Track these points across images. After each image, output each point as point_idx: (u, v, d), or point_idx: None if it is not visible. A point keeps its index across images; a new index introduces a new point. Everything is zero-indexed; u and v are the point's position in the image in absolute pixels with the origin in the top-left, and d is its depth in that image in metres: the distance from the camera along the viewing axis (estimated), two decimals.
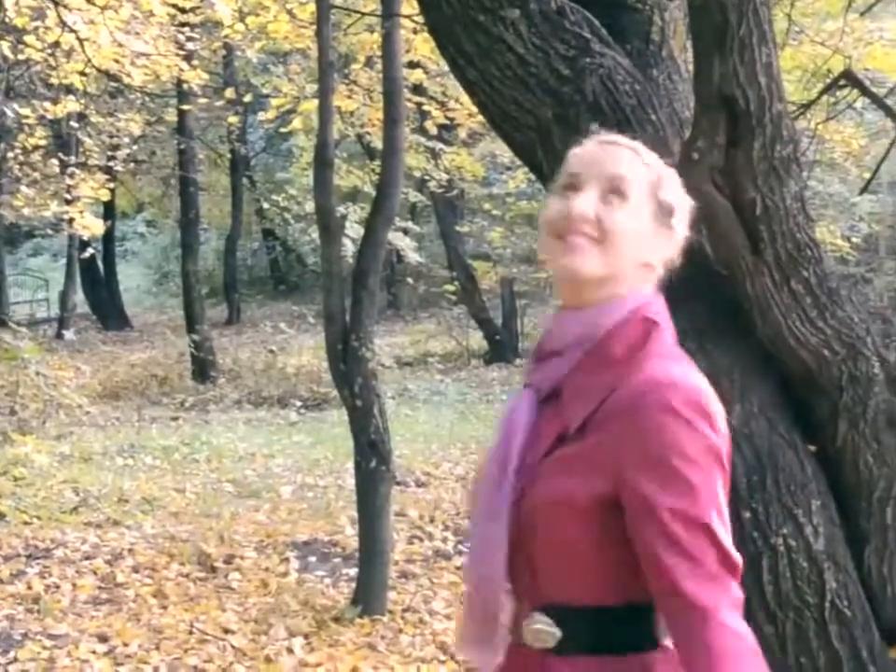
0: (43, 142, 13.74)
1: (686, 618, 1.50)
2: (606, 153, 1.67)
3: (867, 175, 8.70)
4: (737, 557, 1.54)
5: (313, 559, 6.48)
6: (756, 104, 2.46)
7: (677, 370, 1.58)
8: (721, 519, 1.53)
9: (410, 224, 14.12)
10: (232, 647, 4.97)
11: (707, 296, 2.67)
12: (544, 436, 1.62)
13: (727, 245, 2.58)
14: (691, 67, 2.66)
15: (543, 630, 1.60)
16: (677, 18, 2.94)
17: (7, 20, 9.27)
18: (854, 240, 12.99)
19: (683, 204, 1.70)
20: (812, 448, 2.72)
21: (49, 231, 20.72)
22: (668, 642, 1.58)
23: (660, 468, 1.51)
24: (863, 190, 8.56)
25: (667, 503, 1.50)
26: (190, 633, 5.17)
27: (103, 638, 5.13)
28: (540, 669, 1.61)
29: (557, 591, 1.59)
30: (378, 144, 9.06)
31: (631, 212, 1.62)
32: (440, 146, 12.47)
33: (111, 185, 14.33)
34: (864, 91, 5.57)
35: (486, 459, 1.68)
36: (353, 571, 5.82)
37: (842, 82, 5.56)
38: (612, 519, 1.55)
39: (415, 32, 8.54)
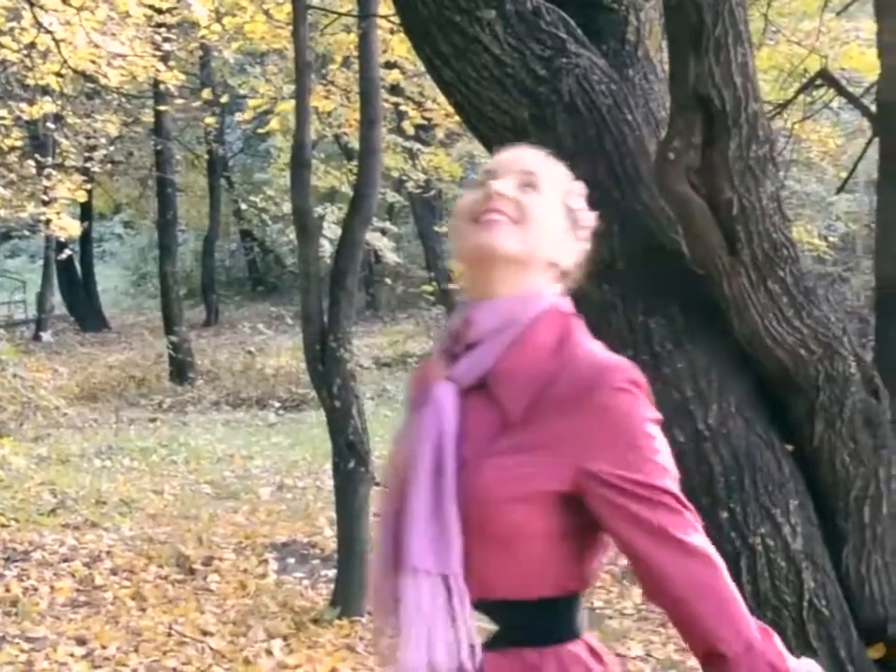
0: (19, 143, 13.63)
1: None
2: (521, 154, 1.74)
3: (844, 175, 8.74)
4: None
5: (291, 560, 6.47)
6: (732, 104, 2.46)
7: (611, 354, 1.63)
8: (676, 483, 1.60)
9: (388, 224, 14.12)
10: (211, 649, 4.96)
11: (683, 296, 2.68)
12: (479, 428, 1.60)
13: (703, 246, 2.58)
14: (667, 67, 2.66)
15: (480, 626, 1.58)
16: (652, 18, 2.94)
17: None
18: (831, 239, 13.05)
19: (588, 220, 1.75)
20: (789, 448, 2.72)
21: (26, 233, 20.60)
22: (586, 634, 1.63)
23: (626, 446, 1.55)
24: (840, 190, 8.59)
25: (639, 479, 1.54)
26: (169, 635, 5.16)
27: (81, 641, 5.11)
28: (478, 664, 1.58)
29: (494, 586, 1.58)
30: (355, 144, 9.04)
31: (545, 203, 1.67)
32: (417, 146, 12.45)
33: (88, 186, 14.25)
34: (840, 91, 5.60)
35: (408, 456, 1.63)
36: (332, 572, 5.82)
37: (818, 82, 5.59)
38: (565, 507, 1.57)
39: (392, 32, 8.53)
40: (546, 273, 1.67)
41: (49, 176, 12.16)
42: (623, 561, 6.13)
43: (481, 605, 1.58)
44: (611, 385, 1.56)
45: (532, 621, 1.59)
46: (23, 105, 11.60)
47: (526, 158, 1.72)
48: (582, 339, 1.64)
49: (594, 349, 1.63)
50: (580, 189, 1.75)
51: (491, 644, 1.58)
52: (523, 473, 1.55)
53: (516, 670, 1.58)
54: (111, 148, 16.82)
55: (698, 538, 1.57)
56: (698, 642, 1.58)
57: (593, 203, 2.67)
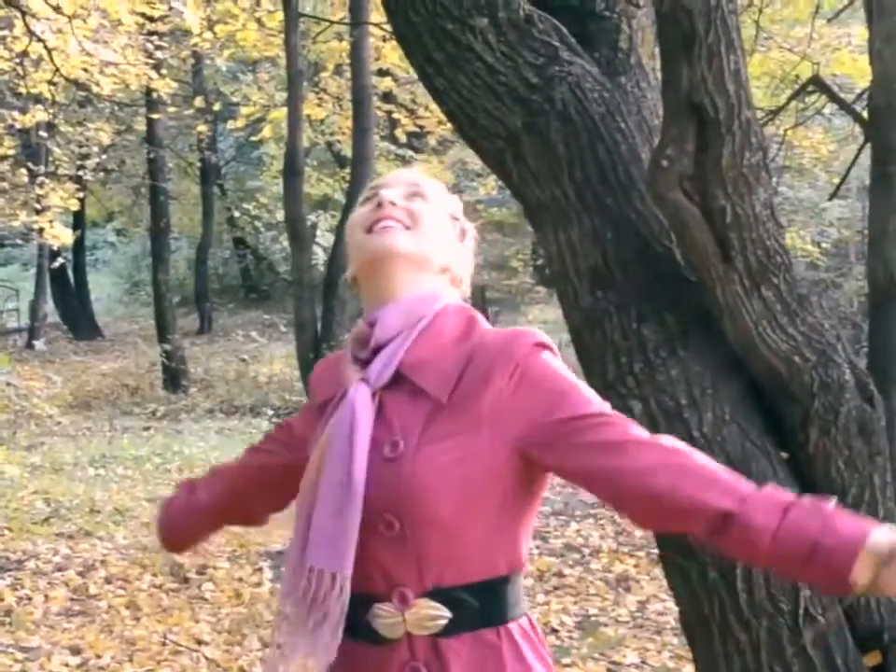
0: (12, 151, 13.63)
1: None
2: (405, 172, 1.84)
3: (836, 181, 8.75)
4: None
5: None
6: (725, 111, 2.46)
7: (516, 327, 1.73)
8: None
9: None
10: (206, 658, 4.94)
11: (677, 304, 2.67)
12: (407, 422, 1.62)
13: (697, 253, 2.58)
14: (659, 75, 2.66)
15: (433, 615, 1.60)
16: (645, 25, 2.94)
17: None
18: (824, 245, 13.07)
19: (472, 233, 1.84)
20: (784, 455, 2.72)
21: (19, 241, 20.55)
22: (528, 611, 1.68)
23: (555, 393, 1.61)
24: (833, 196, 8.60)
25: (579, 413, 1.60)
26: (163, 644, 5.14)
27: (75, 651, 5.09)
28: (434, 654, 1.61)
29: (446, 573, 1.60)
30: (348, 152, 9.05)
31: (433, 211, 1.75)
32: (410, 153, 12.48)
33: (81, 194, 14.26)
34: (832, 97, 5.61)
35: (322, 458, 1.65)
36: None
37: (810, 88, 5.60)
38: (504, 484, 1.61)
39: (384, 40, 8.55)
40: (441, 277, 1.75)
41: (41, 185, 12.16)
42: (618, 568, 6.15)
43: (434, 594, 1.60)
44: (524, 347, 1.63)
45: (485, 602, 1.62)
46: (16, 114, 11.59)
47: (411, 173, 1.83)
48: (486, 326, 1.71)
49: (498, 329, 1.71)
50: (459, 203, 1.84)
51: (447, 632, 1.61)
52: (462, 455, 1.59)
53: (476, 652, 1.61)
54: (104, 157, 16.82)
55: (647, 432, 1.63)
56: (699, 519, 1.55)
57: (586, 210, 2.69)
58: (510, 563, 1.65)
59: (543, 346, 1.66)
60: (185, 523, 2.04)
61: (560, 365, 1.66)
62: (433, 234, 1.73)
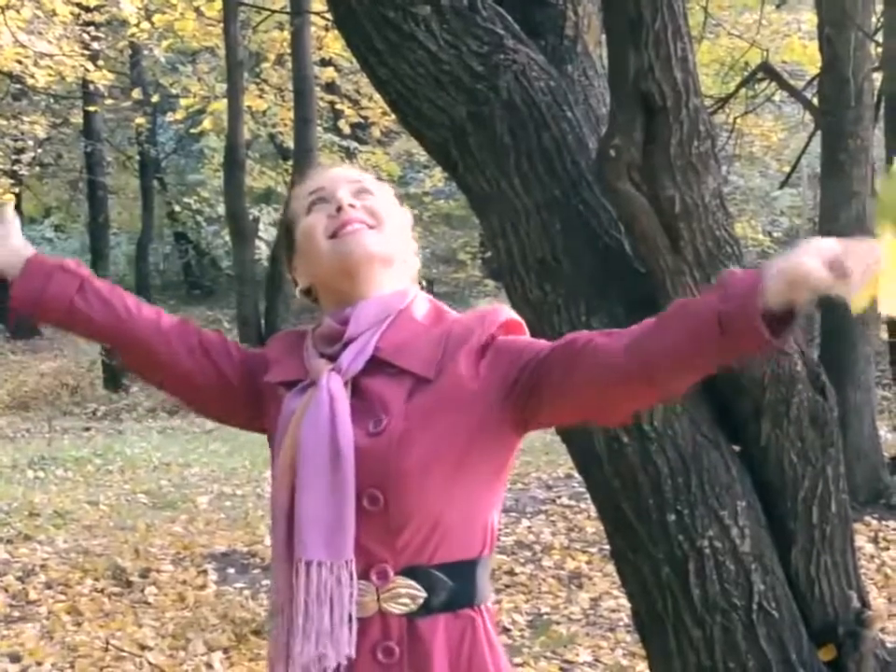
0: None
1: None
2: (339, 170, 1.83)
3: (787, 169, 8.81)
4: None
5: (231, 571, 6.35)
6: (672, 99, 2.43)
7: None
8: None
9: None
10: (150, 663, 4.85)
11: (627, 296, 2.64)
12: (389, 397, 1.63)
13: (646, 244, 2.54)
14: (606, 63, 2.62)
15: (409, 594, 1.60)
16: (591, 12, 2.90)
17: None
18: (775, 234, 13.18)
19: (411, 224, 1.84)
20: (736, 448, 2.69)
21: None
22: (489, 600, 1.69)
23: (529, 342, 1.67)
24: (783, 184, 8.66)
25: (546, 344, 1.64)
26: (106, 650, 5.04)
27: (15, 657, 4.97)
28: (408, 633, 1.60)
29: (424, 551, 1.60)
30: (291, 143, 8.95)
31: (385, 204, 1.76)
32: (354, 144, 12.38)
33: (16, 189, 13.97)
34: (782, 84, 5.63)
35: (296, 443, 1.63)
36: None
37: (760, 75, 5.61)
38: (496, 449, 1.64)
39: (326, 29, 8.45)
40: (402, 269, 1.77)
41: None
42: (570, 565, 6.12)
43: (410, 572, 1.60)
44: (497, 321, 1.68)
45: (460, 583, 1.62)
46: None
47: (347, 171, 1.83)
48: (453, 312, 1.76)
49: (468, 311, 1.76)
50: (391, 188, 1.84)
51: (421, 612, 1.60)
52: (447, 429, 1.60)
53: (450, 633, 1.62)
54: (39, 151, 16.48)
55: None
56: (703, 328, 1.45)
57: (533, 201, 2.63)
58: (483, 545, 1.66)
59: (514, 321, 1.70)
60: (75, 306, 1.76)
61: (527, 332, 1.72)
62: (394, 229, 1.75)
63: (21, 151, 15.13)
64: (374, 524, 1.59)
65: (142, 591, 5.97)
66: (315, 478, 1.59)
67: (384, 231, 1.72)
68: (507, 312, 1.71)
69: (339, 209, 1.70)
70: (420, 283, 1.86)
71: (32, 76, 9.72)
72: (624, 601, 4.73)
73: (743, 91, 5.96)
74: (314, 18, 6.39)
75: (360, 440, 1.59)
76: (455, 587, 1.62)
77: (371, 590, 1.60)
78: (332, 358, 1.67)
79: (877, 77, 6.26)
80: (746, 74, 5.87)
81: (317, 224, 1.71)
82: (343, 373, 1.65)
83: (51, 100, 16.57)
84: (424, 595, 1.60)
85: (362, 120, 11.33)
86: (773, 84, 5.66)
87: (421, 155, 12.80)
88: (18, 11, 8.54)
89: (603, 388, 1.56)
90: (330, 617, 1.58)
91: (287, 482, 1.64)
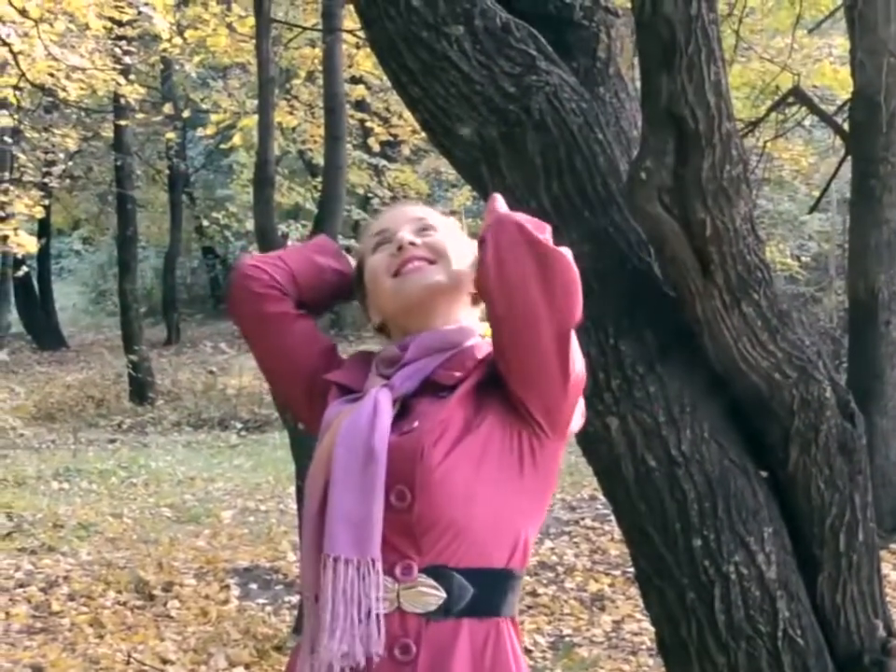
0: None
1: None
2: (403, 209, 1.93)
3: (816, 194, 8.76)
4: None
5: (254, 586, 6.36)
6: (705, 123, 2.42)
7: None
8: None
9: (353, 242, 14.02)
10: None
11: (655, 319, 2.63)
12: (427, 410, 1.69)
13: (676, 268, 2.53)
14: (638, 85, 2.62)
15: (428, 593, 1.63)
16: (624, 35, 2.90)
17: None
18: (804, 259, 13.07)
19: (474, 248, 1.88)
20: (764, 474, 2.68)
21: None
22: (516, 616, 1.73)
23: None
24: (813, 209, 8.60)
25: None
26: (128, 663, 5.05)
27: (37, 669, 5.00)
28: (425, 633, 1.62)
29: (447, 552, 1.63)
30: (320, 160, 8.97)
31: (447, 239, 1.85)
32: (383, 162, 12.40)
33: (46, 202, 14.06)
34: (813, 109, 5.61)
35: (334, 440, 1.69)
36: (295, 598, 5.71)
37: (790, 99, 5.59)
38: (525, 460, 1.69)
39: (358, 47, 8.49)
40: (467, 301, 1.84)
41: (6, 192, 11.97)
42: (593, 587, 6.08)
43: (432, 571, 1.63)
44: None
45: (483, 590, 1.65)
46: None
47: (407, 210, 1.91)
48: None
49: None
50: (457, 221, 1.94)
51: (440, 613, 1.63)
52: (481, 437, 1.66)
53: (475, 633, 1.63)
54: (70, 163, 16.59)
55: None
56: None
57: (563, 223, 2.63)
58: (513, 557, 1.68)
59: None
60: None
61: None
62: (457, 262, 1.82)
63: (51, 164, 15.23)
64: (402, 521, 1.63)
65: (164, 605, 5.98)
66: (346, 475, 1.64)
67: (445, 264, 1.80)
68: None
69: (400, 248, 1.79)
70: None
71: (64, 89, 9.79)
72: (647, 625, 4.71)
73: (774, 115, 5.94)
74: (345, 36, 6.42)
75: (393, 439, 1.66)
76: (478, 593, 1.64)
77: (394, 587, 1.63)
78: (388, 378, 1.77)
79: None
80: (776, 98, 5.84)
81: (381, 264, 1.81)
82: (393, 390, 1.72)
83: (83, 113, 16.68)
84: (444, 596, 1.63)
85: (392, 138, 11.36)
86: (803, 108, 5.65)
87: (449, 173, 12.82)
88: (51, 25, 8.61)
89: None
90: (357, 614, 1.60)
91: (322, 478, 1.69)
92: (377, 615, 1.60)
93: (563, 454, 1.80)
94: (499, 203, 1.77)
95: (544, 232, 1.69)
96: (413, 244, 1.80)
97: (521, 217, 1.71)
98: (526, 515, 1.71)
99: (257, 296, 1.88)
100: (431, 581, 1.63)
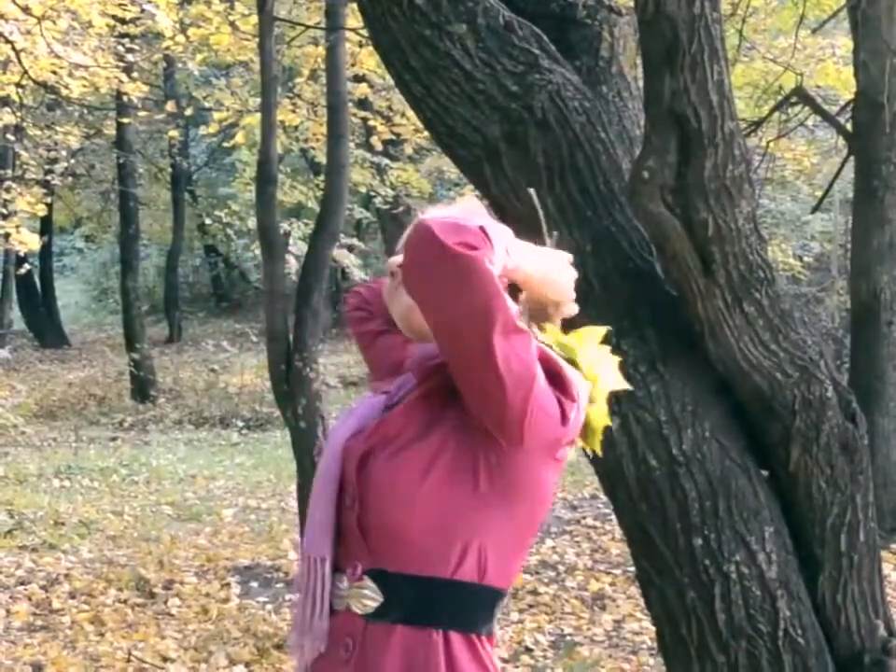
0: None
1: None
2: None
3: (819, 194, 8.74)
4: None
5: (255, 584, 6.35)
6: (708, 122, 2.42)
7: None
8: None
9: (355, 241, 14.00)
10: None
11: (657, 318, 2.63)
12: (386, 425, 1.71)
13: (678, 267, 2.53)
14: (641, 84, 2.62)
15: (367, 594, 1.66)
16: (627, 34, 2.90)
17: None
18: (806, 259, 13.05)
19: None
20: (765, 473, 2.67)
21: None
22: (489, 633, 1.68)
23: None
24: (815, 209, 8.59)
25: None
26: (128, 661, 5.04)
27: (37, 667, 4.99)
28: (362, 633, 1.66)
29: (389, 556, 1.65)
30: (322, 159, 8.97)
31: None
32: (385, 161, 12.38)
33: (48, 199, 14.05)
34: (816, 109, 5.61)
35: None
36: (296, 597, 5.70)
37: (793, 99, 5.59)
38: (483, 473, 1.63)
39: (361, 45, 8.47)
40: None
41: (8, 189, 11.97)
42: (594, 586, 6.08)
43: (375, 575, 1.65)
44: None
45: (425, 598, 1.64)
46: None
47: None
48: None
49: None
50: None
51: (377, 616, 1.64)
52: (435, 444, 1.64)
53: (405, 645, 1.62)
54: (72, 161, 16.56)
55: None
56: None
57: (565, 221, 2.63)
58: (461, 568, 1.63)
59: None
60: None
61: None
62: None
63: (54, 161, 15.22)
64: (353, 522, 1.67)
65: (165, 602, 5.98)
66: (320, 477, 1.73)
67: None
68: None
69: (392, 274, 1.91)
70: None
71: (66, 86, 9.77)
72: (648, 624, 4.71)
73: (776, 114, 5.94)
74: (348, 34, 6.42)
75: (348, 443, 1.71)
76: (416, 601, 1.64)
77: (347, 586, 1.68)
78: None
79: None
80: (779, 98, 5.83)
81: (387, 285, 1.96)
82: (389, 398, 1.77)
83: (85, 111, 16.68)
84: (380, 599, 1.65)
85: (394, 137, 11.34)
86: (806, 108, 5.64)
87: (452, 172, 12.79)
88: (54, 22, 8.60)
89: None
90: (311, 609, 1.70)
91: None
92: (320, 611, 1.68)
93: (550, 469, 1.71)
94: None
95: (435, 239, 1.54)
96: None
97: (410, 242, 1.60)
98: (480, 529, 1.64)
99: (349, 317, 2.24)
100: (372, 584, 1.65)
